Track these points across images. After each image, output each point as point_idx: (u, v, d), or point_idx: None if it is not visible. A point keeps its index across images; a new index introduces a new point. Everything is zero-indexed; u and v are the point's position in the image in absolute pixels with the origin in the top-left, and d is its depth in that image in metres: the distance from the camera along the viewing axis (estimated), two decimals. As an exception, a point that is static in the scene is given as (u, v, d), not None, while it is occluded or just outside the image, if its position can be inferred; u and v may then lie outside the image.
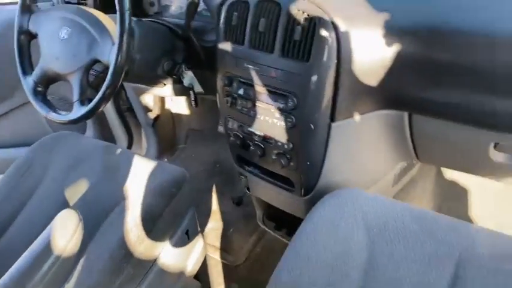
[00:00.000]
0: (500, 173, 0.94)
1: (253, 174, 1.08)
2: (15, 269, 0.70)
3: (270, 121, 0.90)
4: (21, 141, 1.72)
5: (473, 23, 0.73)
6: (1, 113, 1.68)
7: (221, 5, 0.91)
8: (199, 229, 1.18)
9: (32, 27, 0.99)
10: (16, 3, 1.01)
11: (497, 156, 0.87)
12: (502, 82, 0.73)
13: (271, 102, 0.87)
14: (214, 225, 1.55)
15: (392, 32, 0.78)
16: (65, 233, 0.73)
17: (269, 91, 0.87)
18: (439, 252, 0.69)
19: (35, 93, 0.99)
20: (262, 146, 0.96)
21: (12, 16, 1.02)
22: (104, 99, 0.87)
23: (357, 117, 0.87)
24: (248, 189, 1.18)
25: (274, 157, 0.95)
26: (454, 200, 1.36)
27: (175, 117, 1.90)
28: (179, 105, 1.77)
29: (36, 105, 0.99)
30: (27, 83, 0.99)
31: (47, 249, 0.71)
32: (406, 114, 0.90)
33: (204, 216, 1.56)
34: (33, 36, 1.00)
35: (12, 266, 0.71)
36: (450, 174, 1.37)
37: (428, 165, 1.31)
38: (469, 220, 1.32)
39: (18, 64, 1.01)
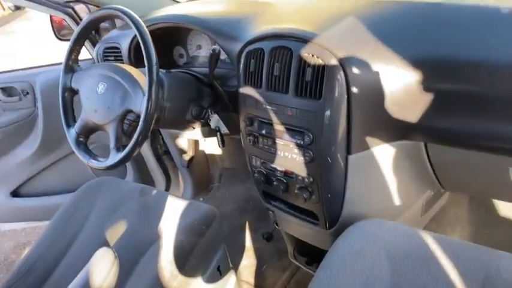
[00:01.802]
0: None
1: (279, 209, 1.11)
2: None
3: (289, 156, 0.94)
4: (68, 188, 1.84)
5: (479, 53, 0.75)
6: (50, 163, 1.82)
7: (240, 53, 0.99)
8: (231, 265, 1.21)
9: (74, 85, 1.10)
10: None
11: (518, 180, 0.86)
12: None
13: (290, 138, 0.92)
14: (248, 261, 1.57)
15: (399, 65, 0.81)
16: (101, 270, 0.79)
17: (287, 128, 0.92)
18: (463, 279, 0.69)
19: (77, 143, 1.09)
20: (284, 181, 1.00)
21: (59, 75, 1.12)
22: (137, 145, 0.95)
23: (373, 148, 0.90)
24: (277, 224, 1.21)
25: (296, 191, 0.98)
26: (490, 227, 1.31)
27: (209, 158, 1.97)
28: (212, 146, 1.84)
29: (78, 154, 1.08)
30: (70, 134, 1.10)
31: (86, 286, 0.77)
32: (422, 144, 0.92)
33: (237, 253, 1.58)
34: (75, 92, 1.11)
35: None
36: (484, 200, 1.34)
37: (460, 193, 1.28)
38: (509, 246, 1.26)
39: (62, 118, 1.11)
